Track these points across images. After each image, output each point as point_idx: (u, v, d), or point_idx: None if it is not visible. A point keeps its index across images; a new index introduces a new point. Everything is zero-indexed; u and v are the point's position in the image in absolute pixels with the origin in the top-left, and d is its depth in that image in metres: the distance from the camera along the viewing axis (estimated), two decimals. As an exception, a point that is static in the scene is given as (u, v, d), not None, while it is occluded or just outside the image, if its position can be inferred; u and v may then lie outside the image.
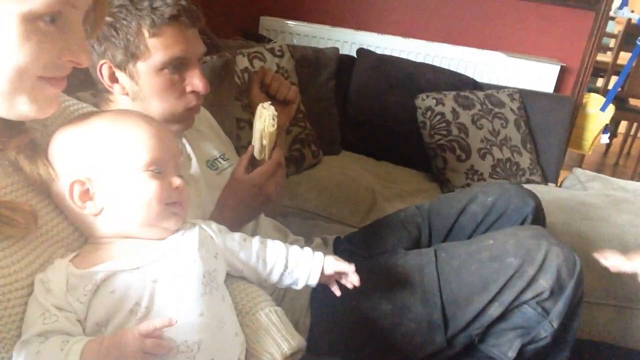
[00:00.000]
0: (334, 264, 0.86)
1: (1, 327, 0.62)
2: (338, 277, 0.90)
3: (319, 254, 0.87)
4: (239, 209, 1.06)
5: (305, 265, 0.85)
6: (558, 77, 2.44)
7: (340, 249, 1.30)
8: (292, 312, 1.12)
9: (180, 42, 0.98)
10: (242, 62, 1.72)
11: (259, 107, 1.06)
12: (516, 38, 2.50)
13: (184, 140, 1.19)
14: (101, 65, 1.00)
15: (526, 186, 2.05)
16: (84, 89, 1.25)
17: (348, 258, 1.24)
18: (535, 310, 1.07)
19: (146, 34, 0.96)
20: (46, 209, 0.72)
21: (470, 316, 1.08)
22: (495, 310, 1.08)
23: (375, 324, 1.09)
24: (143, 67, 0.99)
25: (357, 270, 1.18)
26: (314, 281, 0.86)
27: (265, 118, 1.05)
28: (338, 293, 0.89)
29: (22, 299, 0.65)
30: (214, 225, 0.80)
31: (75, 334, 0.63)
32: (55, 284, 0.64)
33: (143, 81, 1.00)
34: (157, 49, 0.97)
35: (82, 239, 0.74)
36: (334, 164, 2.04)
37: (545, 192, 2.10)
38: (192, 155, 1.17)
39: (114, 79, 1.01)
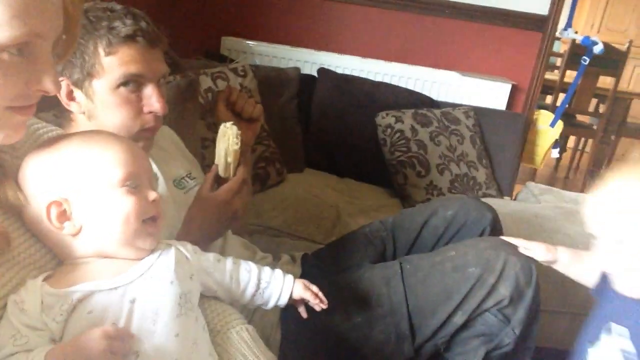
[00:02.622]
0: (302, 292, 0.90)
1: None
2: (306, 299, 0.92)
3: (290, 277, 0.90)
4: (206, 227, 1.07)
5: (276, 286, 0.88)
6: (509, 95, 2.55)
7: (308, 265, 1.32)
8: (262, 328, 1.13)
9: (137, 61, 0.98)
10: (205, 82, 1.74)
11: (222, 127, 1.08)
12: (469, 58, 2.61)
13: (150, 160, 1.19)
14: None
15: (483, 200, 2.13)
16: (45, 109, 1.25)
17: (316, 274, 1.28)
18: (497, 317, 1.12)
19: (102, 52, 0.96)
20: (17, 232, 0.72)
21: (436, 325, 1.12)
22: (459, 319, 1.12)
23: (345, 336, 1.11)
24: (98, 85, 0.98)
25: (326, 285, 1.21)
26: (283, 302, 0.89)
27: (229, 137, 1.07)
28: (305, 315, 0.92)
29: None
30: (189, 246, 0.81)
31: None
32: (29, 304, 0.64)
33: (98, 99, 0.99)
34: (112, 67, 0.97)
35: (54, 261, 0.74)
36: (298, 181, 2.07)
37: (501, 205, 2.18)
38: (159, 174, 1.18)
39: (71, 97, 1.01)
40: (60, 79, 0.99)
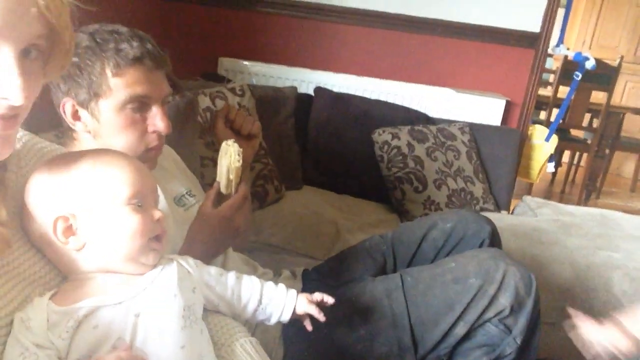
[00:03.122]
0: (306, 306, 0.89)
1: None
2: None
3: (293, 291, 0.91)
4: (208, 243, 1.07)
5: (279, 302, 0.88)
6: (504, 110, 2.58)
7: (309, 280, 1.32)
8: (264, 343, 1.12)
9: (143, 82, 1.00)
10: (204, 101, 1.76)
11: (223, 145, 1.09)
12: (464, 75, 2.65)
13: (151, 178, 1.21)
14: (64, 104, 1.02)
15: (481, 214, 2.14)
16: (47, 129, 1.26)
17: (317, 288, 1.27)
18: (498, 327, 1.12)
19: (109, 73, 0.98)
20: (23, 249, 0.73)
21: (438, 337, 1.13)
22: (460, 330, 1.12)
23: (347, 350, 1.11)
24: (105, 105, 1.00)
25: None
26: (286, 318, 0.89)
27: (231, 154, 1.08)
28: (310, 328, 0.92)
29: (2, 338, 0.65)
30: (190, 260, 0.82)
31: None
32: (35, 321, 0.65)
33: (104, 119, 1.01)
34: (119, 88, 0.99)
35: (59, 278, 0.75)
36: (297, 198, 2.08)
37: (498, 219, 2.18)
38: (160, 192, 1.19)
39: (76, 117, 1.03)
40: (66, 99, 1.01)
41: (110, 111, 1.01)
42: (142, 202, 0.74)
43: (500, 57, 2.61)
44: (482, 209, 2.31)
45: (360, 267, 1.33)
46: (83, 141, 1.06)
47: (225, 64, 2.53)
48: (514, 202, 2.57)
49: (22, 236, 0.74)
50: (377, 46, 2.64)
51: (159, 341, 0.67)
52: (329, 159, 2.32)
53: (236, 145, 1.10)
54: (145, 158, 1.08)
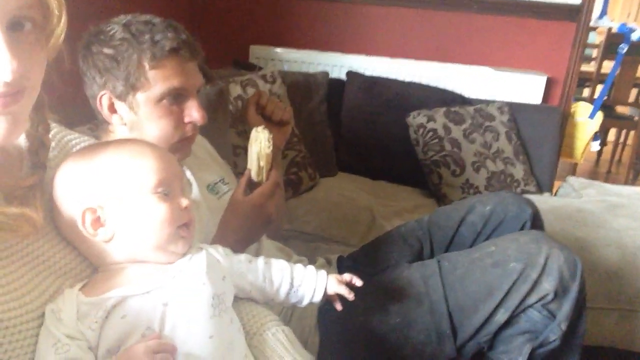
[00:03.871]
0: (336, 286, 0.88)
1: (23, 356, 0.62)
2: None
3: (323, 272, 0.89)
4: (241, 231, 1.07)
5: (310, 283, 0.87)
6: (545, 88, 2.48)
7: (343, 267, 1.30)
8: (300, 331, 1.12)
9: (179, 74, 1.01)
10: (235, 90, 1.75)
11: (253, 131, 1.08)
12: (502, 52, 2.55)
13: (184, 167, 1.21)
14: (101, 97, 1.03)
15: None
16: (81, 123, 1.28)
17: (353, 274, 1.26)
18: (541, 313, 1.08)
19: (146, 66, 0.99)
20: (53, 241, 0.73)
21: (478, 323, 1.09)
22: (501, 316, 1.08)
23: (384, 338, 1.09)
24: (142, 98, 1.01)
25: (362, 287, 1.20)
26: (318, 298, 0.88)
27: (261, 140, 1.07)
28: (340, 308, 0.90)
29: (34, 330, 0.65)
30: (220, 248, 0.81)
31: None
32: (66, 313, 0.65)
33: (142, 111, 1.02)
34: (157, 81, 1.00)
35: (89, 269, 0.75)
36: (331, 185, 2.06)
37: (541, 201, 2.11)
38: (193, 180, 1.19)
39: (113, 109, 1.04)
40: (102, 92, 1.02)
41: (147, 104, 1.02)
42: (168, 190, 0.73)
43: (539, 32, 2.51)
44: (523, 192, 2.24)
45: (396, 254, 1.30)
46: (118, 134, 1.07)
47: (257, 52, 2.51)
48: (557, 184, 2.48)
49: (53, 228, 0.74)
50: (410, 26, 2.57)
51: (187, 330, 0.67)
52: (363, 145, 2.29)
53: (266, 131, 1.09)
54: (179, 148, 1.08)
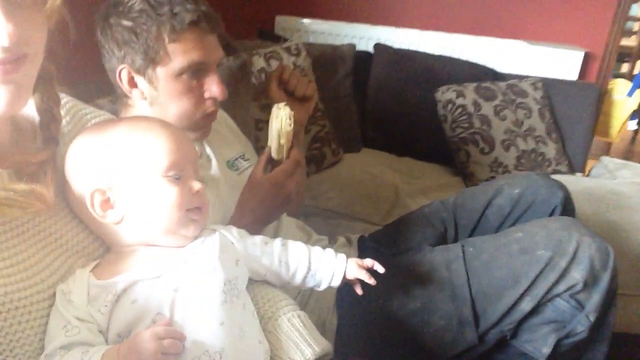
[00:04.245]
0: (357, 271, 0.84)
1: (24, 340, 0.61)
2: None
3: (342, 256, 0.85)
4: (259, 210, 1.04)
5: (328, 267, 0.83)
6: (582, 63, 2.37)
7: (365, 248, 1.27)
8: (318, 313, 1.10)
9: (199, 47, 0.98)
10: (258, 62, 1.71)
11: (274, 108, 1.06)
12: (537, 25, 2.44)
13: (204, 142, 1.18)
14: (120, 70, 1.01)
15: (553, 177, 2.01)
16: (103, 95, 1.26)
17: (373, 256, 1.23)
18: (569, 303, 1.03)
19: (166, 39, 0.96)
20: (65, 219, 0.71)
21: (502, 311, 1.05)
22: (527, 305, 1.05)
23: (403, 322, 1.07)
24: (162, 72, 0.99)
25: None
26: (336, 283, 0.85)
27: (281, 118, 1.04)
28: (360, 292, 0.87)
29: (45, 310, 0.64)
30: (234, 230, 0.78)
31: (98, 344, 0.62)
32: (76, 295, 0.64)
33: (161, 86, 1.00)
34: (177, 55, 0.97)
35: (102, 248, 0.73)
36: (355, 161, 2.02)
37: (573, 182, 2.05)
38: (212, 156, 1.17)
39: (132, 83, 1.02)
40: (121, 66, 1.00)
41: (167, 78, 0.99)
42: (180, 173, 0.71)
43: (578, 3, 2.38)
44: (554, 171, 2.16)
45: (419, 235, 1.27)
46: (138, 108, 1.05)
47: (282, 23, 2.45)
48: (590, 163, 2.39)
49: (66, 206, 0.73)
50: (442, -3, 2.48)
51: (198, 317, 0.65)
52: (390, 120, 2.23)
53: (287, 108, 1.06)
54: (201, 125, 1.06)
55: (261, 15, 2.52)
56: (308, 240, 1.25)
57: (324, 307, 1.11)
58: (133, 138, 0.70)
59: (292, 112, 1.06)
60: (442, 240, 1.27)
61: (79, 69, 1.32)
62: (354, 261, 0.85)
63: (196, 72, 1.00)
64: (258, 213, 1.05)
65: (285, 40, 2.12)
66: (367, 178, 1.88)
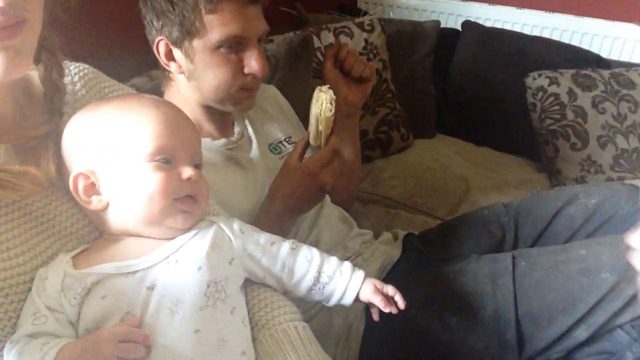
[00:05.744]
0: (371, 295, 0.74)
1: (6, 322, 0.60)
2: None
3: (359, 274, 0.75)
4: (290, 199, 0.98)
5: (341, 283, 0.73)
6: None
7: (410, 248, 1.17)
8: (345, 314, 1.03)
9: (239, 19, 0.93)
10: (327, 37, 1.63)
11: (317, 91, 0.99)
12: (656, 6, 2.13)
13: (246, 122, 1.14)
14: (158, 42, 0.98)
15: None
16: (143, 71, 1.24)
17: (415, 259, 1.13)
18: (629, 334, 0.88)
19: (203, 10, 0.92)
20: (61, 199, 0.69)
21: (551, 338, 0.92)
22: (581, 334, 0.91)
23: (435, 338, 0.96)
24: (199, 45, 0.95)
25: (422, 275, 1.06)
26: (348, 302, 0.75)
27: (322, 102, 0.97)
28: (376, 318, 0.77)
29: (24, 293, 0.62)
30: (236, 224, 0.71)
31: (65, 336, 0.59)
32: (50, 282, 0.61)
33: (198, 59, 0.96)
34: (214, 26, 0.93)
35: (97, 232, 0.70)
36: (426, 148, 1.89)
37: (679, 190, 1.79)
38: (253, 137, 1.12)
39: (170, 56, 0.99)
40: (159, 37, 0.98)
41: (204, 51, 0.96)
42: (169, 158, 0.65)
43: None
44: (659, 176, 1.90)
45: (471, 241, 1.14)
46: (179, 82, 1.03)
47: (366, -5, 2.34)
48: None
49: (62, 186, 0.70)
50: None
51: (170, 321, 0.59)
52: (471, 105, 2.06)
53: (330, 92, 0.98)
54: (239, 98, 1.02)
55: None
56: (348, 234, 1.17)
57: (352, 309, 1.03)
58: (119, 119, 0.66)
59: (334, 97, 0.98)
60: (499, 248, 1.14)
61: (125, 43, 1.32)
62: (372, 283, 0.74)
63: (235, 45, 0.96)
64: (289, 202, 0.99)
65: (365, 13, 2.01)
66: (436, 167, 1.76)
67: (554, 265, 0.95)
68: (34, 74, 0.72)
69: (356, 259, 1.13)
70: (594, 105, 1.90)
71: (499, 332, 0.94)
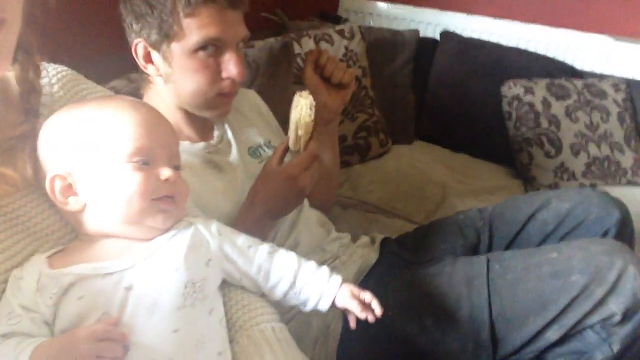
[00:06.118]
0: (347, 300, 0.74)
1: None
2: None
3: (336, 279, 0.75)
4: (270, 203, 0.99)
5: (316, 288, 0.74)
6: (677, 65, 2.11)
7: (387, 251, 1.19)
8: (324, 316, 1.04)
9: (217, 23, 0.93)
10: (307, 44, 1.65)
11: (296, 96, 1.00)
12: (626, 19, 2.18)
13: (226, 126, 1.14)
14: (136, 44, 0.98)
15: (627, 189, 1.81)
16: (123, 73, 1.24)
17: (392, 262, 1.15)
18: (599, 335, 0.91)
19: (181, 13, 0.92)
20: (37, 201, 0.68)
21: (524, 339, 0.94)
22: (553, 334, 0.93)
23: (412, 339, 0.98)
24: (177, 48, 0.95)
25: (399, 278, 1.08)
26: (324, 307, 0.75)
27: (302, 107, 0.99)
28: (353, 325, 0.77)
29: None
30: (214, 226, 0.72)
31: (40, 336, 0.59)
32: (26, 282, 0.61)
33: (176, 63, 0.96)
34: (192, 29, 0.93)
35: (73, 234, 0.70)
36: (404, 154, 1.92)
37: (648, 198, 1.84)
38: (233, 141, 1.12)
39: (148, 59, 0.99)
40: (138, 39, 0.97)
41: (182, 55, 0.95)
42: (148, 159, 0.65)
43: (677, -3, 2.12)
44: (629, 183, 1.95)
45: (448, 245, 1.16)
46: (158, 85, 1.03)
47: (346, 4, 2.36)
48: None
49: (39, 187, 0.70)
50: (521, -17, 2.28)
51: (148, 321, 0.60)
52: (449, 112, 2.10)
53: (310, 97, 0.99)
54: (217, 104, 1.02)
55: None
56: (326, 237, 1.18)
57: (330, 311, 1.04)
58: (97, 119, 0.66)
59: (314, 102, 0.99)
60: (473, 252, 1.17)
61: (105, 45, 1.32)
62: (349, 288, 0.74)
63: (213, 49, 0.95)
64: (269, 205, 0.99)
65: (346, 21, 2.04)
66: (414, 173, 1.78)
67: (527, 267, 0.97)
68: (11, 75, 0.72)
69: (334, 262, 1.15)
70: (567, 114, 1.95)
71: (474, 333, 0.96)
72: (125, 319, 0.59)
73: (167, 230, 0.68)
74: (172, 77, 0.98)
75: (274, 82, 1.43)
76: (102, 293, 0.60)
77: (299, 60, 1.58)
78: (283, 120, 1.30)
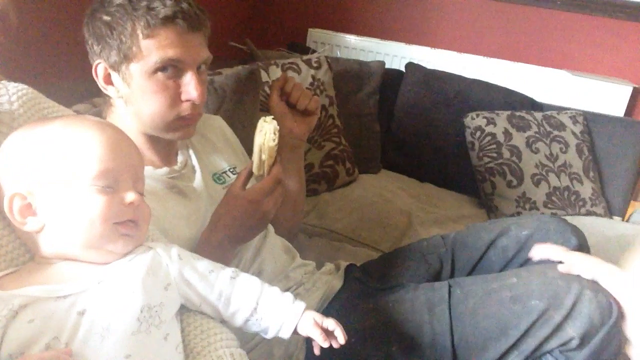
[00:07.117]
0: (310, 328, 0.73)
1: None
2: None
3: (299, 306, 0.75)
4: (233, 227, 0.98)
5: (278, 316, 0.73)
6: (630, 99, 2.21)
7: (351, 278, 1.19)
8: (286, 345, 1.03)
9: (176, 44, 0.93)
10: (275, 72, 1.66)
11: (260, 121, 1.00)
12: (583, 56, 2.30)
13: (190, 151, 1.14)
14: (97, 65, 0.97)
15: (586, 219, 1.85)
16: (86, 98, 1.23)
17: (357, 289, 1.15)
18: (558, 359, 0.92)
19: (140, 35, 0.92)
20: None
21: (485, 365, 0.95)
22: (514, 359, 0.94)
23: (375, 366, 0.97)
24: (136, 69, 0.94)
25: (361, 305, 1.08)
26: (285, 335, 0.74)
27: (265, 132, 0.99)
28: (317, 352, 0.77)
29: None
30: (174, 250, 0.71)
31: None
32: None
33: (135, 84, 0.95)
34: (150, 51, 0.92)
35: (28, 255, 0.68)
36: (371, 183, 1.94)
37: (607, 227, 1.90)
38: (197, 167, 1.12)
39: (108, 80, 0.98)
40: (98, 61, 0.97)
41: (141, 75, 0.94)
42: (111, 182, 0.65)
43: (628, 34, 2.23)
44: (588, 213, 2.01)
45: (411, 271, 1.17)
46: (118, 107, 1.02)
47: (314, 35, 2.41)
48: (632, 207, 2.21)
49: None
50: (481, 20, 2.37)
51: (100, 346, 0.58)
52: (414, 142, 2.14)
53: (274, 122, 0.99)
54: (177, 127, 1.01)
55: (294, 27, 2.49)
56: (290, 264, 1.17)
57: (292, 340, 1.03)
58: (62, 138, 0.65)
59: (278, 127, 1.00)
60: (436, 278, 1.17)
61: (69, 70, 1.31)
62: (312, 316, 0.74)
63: (173, 71, 0.94)
64: (232, 230, 0.98)
65: (314, 52, 2.07)
66: (379, 202, 1.80)
67: (487, 293, 0.99)
68: None
69: (298, 289, 1.14)
70: (528, 145, 2.00)
71: (436, 359, 0.96)
72: (76, 343, 0.57)
73: (125, 255, 0.66)
74: (132, 98, 0.97)
75: (241, 109, 1.43)
76: (54, 317, 0.58)
77: (266, 88, 1.60)
78: (249, 147, 1.31)
